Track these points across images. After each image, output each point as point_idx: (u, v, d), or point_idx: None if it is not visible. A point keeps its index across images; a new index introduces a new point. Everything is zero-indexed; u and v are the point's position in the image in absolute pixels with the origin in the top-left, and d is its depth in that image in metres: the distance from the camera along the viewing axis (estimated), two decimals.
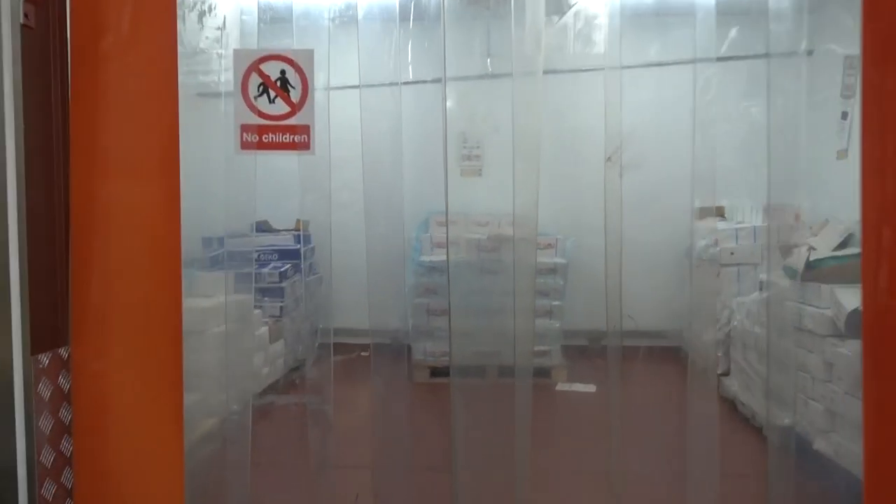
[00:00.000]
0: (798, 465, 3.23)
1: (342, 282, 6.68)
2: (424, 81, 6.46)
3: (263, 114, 2.55)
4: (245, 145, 2.59)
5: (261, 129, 2.55)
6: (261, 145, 2.58)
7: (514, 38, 3.80)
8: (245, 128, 2.55)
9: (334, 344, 6.72)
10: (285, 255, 5.38)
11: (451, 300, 5.26)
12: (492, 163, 6.26)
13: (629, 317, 4.22)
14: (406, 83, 6.43)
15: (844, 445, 3.39)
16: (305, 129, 2.58)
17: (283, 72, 2.54)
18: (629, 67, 6.21)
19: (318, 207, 6.61)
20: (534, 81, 6.03)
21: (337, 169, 6.48)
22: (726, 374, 4.98)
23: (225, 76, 2.96)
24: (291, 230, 5.96)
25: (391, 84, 6.40)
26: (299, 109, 2.57)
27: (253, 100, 2.54)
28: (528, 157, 6.02)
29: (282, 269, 5.19)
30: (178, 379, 2.36)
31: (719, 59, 5.91)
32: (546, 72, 6.07)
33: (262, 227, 5.84)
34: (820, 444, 3.58)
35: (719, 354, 5.12)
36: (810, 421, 3.70)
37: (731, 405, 4.68)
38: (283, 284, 5.18)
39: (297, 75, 2.55)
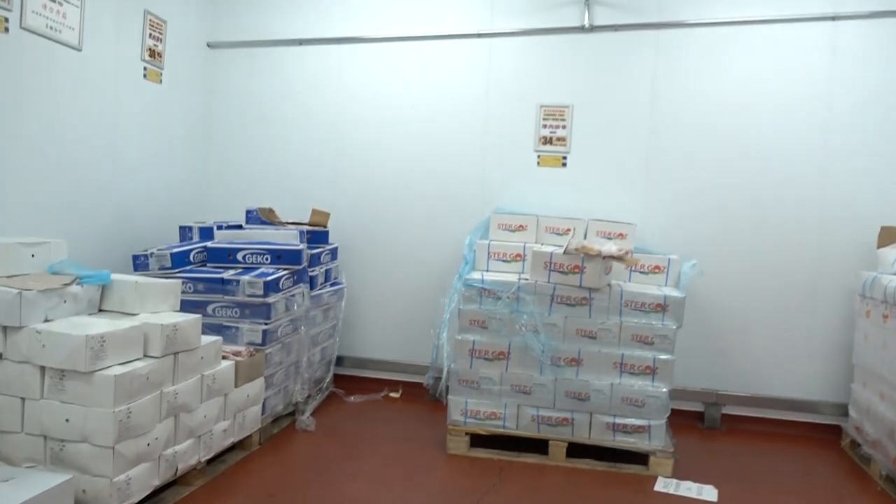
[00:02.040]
0: None
1: (373, 297, 5.13)
2: (498, 34, 4.81)
3: None
4: None
5: None
6: None
7: None
8: None
9: (354, 378, 5.17)
10: (283, 257, 3.87)
11: (509, 341, 3.65)
12: (582, 148, 4.53)
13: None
14: (457, 35, 4.75)
15: None
16: None
17: None
18: (764, 22, 4.30)
19: (345, 195, 5.07)
20: (642, 38, 4.24)
21: (376, 151, 4.89)
22: None
23: None
24: (302, 224, 4.44)
25: (442, 37, 4.75)
26: None
27: None
28: (632, 142, 4.23)
29: (270, 278, 3.67)
30: None
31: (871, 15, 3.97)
32: (660, 25, 4.26)
33: (259, 218, 4.34)
34: None
35: None
36: None
37: None
38: (270, 299, 3.66)
39: None
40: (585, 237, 4.17)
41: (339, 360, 4.87)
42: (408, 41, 4.77)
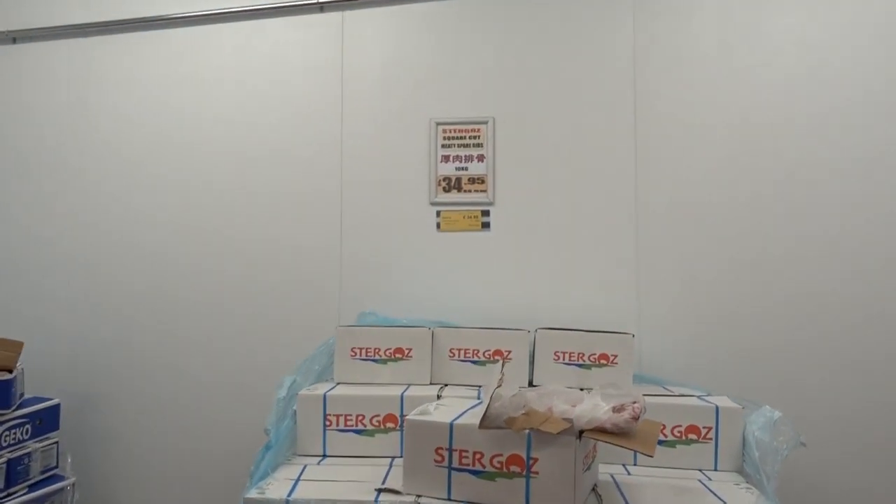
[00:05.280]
0: None
1: (137, 495, 2.71)
2: (353, 1, 2.40)
3: None
4: None
5: None
6: None
7: None
8: None
9: None
10: None
11: None
12: (515, 194, 2.44)
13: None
14: (286, 8, 2.39)
15: None
16: None
17: None
18: None
19: (92, 297, 2.57)
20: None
21: (151, 217, 2.56)
22: None
23: None
24: None
25: (260, 11, 2.44)
26: None
27: None
28: (607, 178, 2.11)
29: None
30: None
31: None
32: None
33: None
34: None
35: None
36: None
37: None
38: None
39: None
40: (533, 372, 2.00)
41: None
42: (206, 23, 2.68)
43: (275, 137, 2.58)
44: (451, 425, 1.50)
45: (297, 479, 1.65)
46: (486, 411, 1.46)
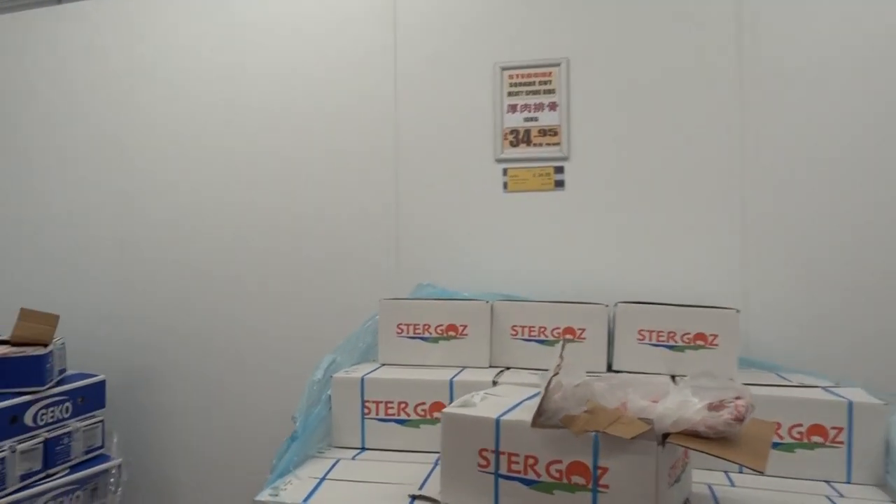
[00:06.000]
0: None
1: (192, 476, 2.49)
2: None
3: None
4: None
5: None
6: None
7: None
8: None
9: None
10: None
11: None
12: (594, 148, 2.07)
13: None
14: None
15: None
16: None
17: None
18: None
19: (137, 270, 2.41)
20: None
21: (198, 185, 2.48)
22: None
23: None
24: None
25: None
26: None
27: None
28: (706, 126, 1.68)
29: None
30: None
31: None
32: None
33: None
34: None
35: None
36: None
37: None
38: None
39: None
40: (612, 355, 1.66)
41: None
42: None
43: (321, 93, 2.32)
44: (498, 421, 1.20)
45: (323, 479, 1.40)
46: (540, 405, 1.14)
